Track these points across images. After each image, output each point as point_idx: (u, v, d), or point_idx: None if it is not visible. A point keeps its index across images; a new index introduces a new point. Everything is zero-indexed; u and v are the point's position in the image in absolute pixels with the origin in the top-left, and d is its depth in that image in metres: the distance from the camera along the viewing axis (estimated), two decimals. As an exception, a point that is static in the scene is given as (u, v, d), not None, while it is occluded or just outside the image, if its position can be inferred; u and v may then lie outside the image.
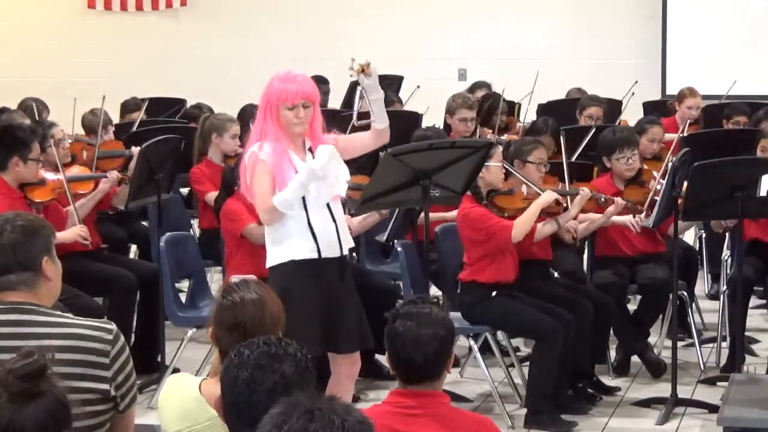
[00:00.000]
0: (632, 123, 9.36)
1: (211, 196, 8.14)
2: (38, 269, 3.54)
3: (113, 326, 3.53)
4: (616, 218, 7.46)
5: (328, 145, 5.82)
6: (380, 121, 5.98)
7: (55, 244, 3.64)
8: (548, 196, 6.96)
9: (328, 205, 5.87)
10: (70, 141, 8.17)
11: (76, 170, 7.72)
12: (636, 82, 11.35)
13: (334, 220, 5.88)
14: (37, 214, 6.38)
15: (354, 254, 8.25)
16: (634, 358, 7.76)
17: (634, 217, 7.49)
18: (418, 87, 11.49)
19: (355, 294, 6.03)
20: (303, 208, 5.84)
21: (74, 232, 7.08)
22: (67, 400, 2.73)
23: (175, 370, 7.01)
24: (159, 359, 7.53)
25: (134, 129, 9.51)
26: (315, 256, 5.84)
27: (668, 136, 9.02)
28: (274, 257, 5.93)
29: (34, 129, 7.38)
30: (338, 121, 9.24)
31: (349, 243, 6.01)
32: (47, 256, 3.56)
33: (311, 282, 5.82)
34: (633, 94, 11.06)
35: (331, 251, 5.87)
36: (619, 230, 7.67)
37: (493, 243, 6.86)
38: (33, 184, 7.11)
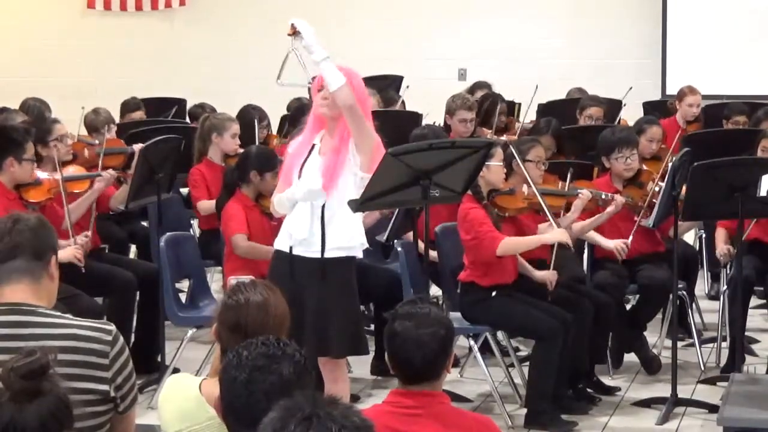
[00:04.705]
0: (632, 123, 9.36)
1: (203, 204, 8.17)
2: (46, 262, 3.55)
3: (113, 327, 3.53)
4: (604, 243, 7.45)
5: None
6: (330, 84, 5.77)
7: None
8: (557, 237, 6.84)
9: (323, 207, 5.88)
10: (72, 140, 8.17)
11: (72, 170, 7.71)
12: (630, 88, 11.32)
13: (323, 222, 5.88)
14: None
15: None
16: (633, 357, 7.77)
17: (635, 214, 7.50)
18: (407, 87, 11.49)
19: (336, 300, 5.96)
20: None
21: (71, 253, 6.95)
22: (69, 400, 2.73)
23: (175, 370, 7.01)
24: (159, 359, 7.53)
25: (135, 129, 9.52)
26: (286, 250, 5.93)
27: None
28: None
29: (28, 129, 7.38)
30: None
31: (341, 248, 5.94)
32: (55, 256, 3.59)
33: (281, 275, 5.82)
34: (629, 90, 11.04)
35: (305, 250, 5.91)
36: (618, 231, 7.67)
37: (478, 251, 6.85)
38: (28, 185, 7.11)
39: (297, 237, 5.90)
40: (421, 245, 6.84)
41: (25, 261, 3.52)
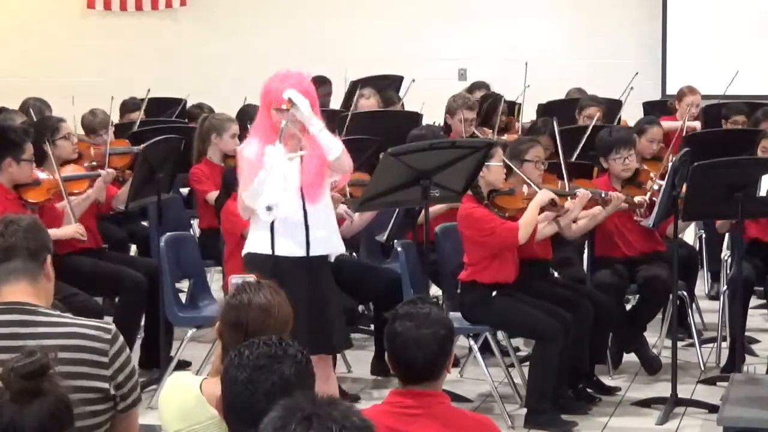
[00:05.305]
0: (632, 123, 9.36)
1: (213, 195, 8.14)
2: (42, 262, 3.56)
3: (112, 326, 3.54)
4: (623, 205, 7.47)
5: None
6: (329, 153, 5.87)
7: (57, 242, 3.67)
8: (544, 195, 6.95)
9: (303, 207, 5.86)
10: (77, 140, 8.18)
11: (70, 169, 7.71)
12: (636, 73, 11.35)
13: (306, 222, 5.88)
14: (33, 214, 6.38)
15: (354, 254, 8.27)
16: (633, 357, 7.77)
17: (635, 213, 7.50)
18: (413, 80, 11.48)
19: (332, 296, 6.00)
20: None
21: (72, 229, 7.07)
22: (69, 400, 2.73)
23: (179, 365, 7.03)
24: (160, 358, 7.53)
25: (135, 129, 9.51)
26: (268, 251, 5.88)
27: (668, 124, 8.98)
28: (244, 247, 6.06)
29: (26, 130, 7.39)
30: (338, 121, 9.27)
31: (325, 248, 5.97)
32: (50, 256, 3.60)
33: (263, 277, 5.79)
34: (632, 88, 11.06)
35: (290, 250, 5.88)
36: (618, 230, 7.67)
37: (496, 242, 6.85)
38: (27, 185, 7.12)
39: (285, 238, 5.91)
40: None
41: (21, 262, 3.53)
